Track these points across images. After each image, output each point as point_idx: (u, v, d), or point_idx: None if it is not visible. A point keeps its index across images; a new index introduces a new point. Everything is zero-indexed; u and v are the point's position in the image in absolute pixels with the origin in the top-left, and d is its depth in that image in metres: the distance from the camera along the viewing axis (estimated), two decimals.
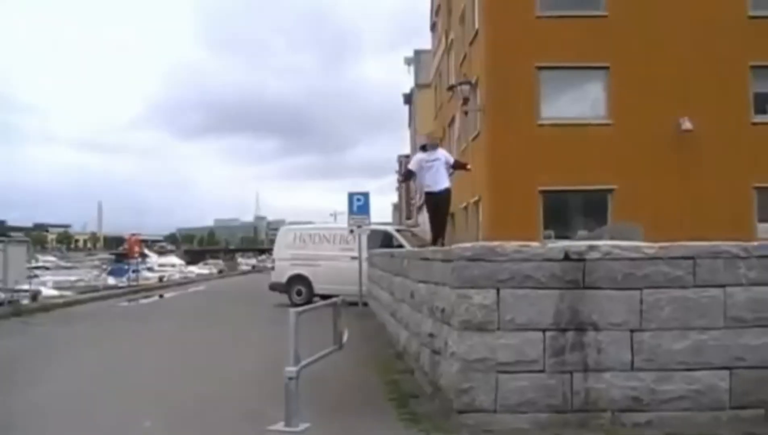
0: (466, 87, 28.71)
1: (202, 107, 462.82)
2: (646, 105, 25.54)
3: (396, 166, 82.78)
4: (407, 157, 72.72)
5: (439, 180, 15.87)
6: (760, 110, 26.69)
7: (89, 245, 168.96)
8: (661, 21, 25.98)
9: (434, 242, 15.95)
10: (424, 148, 16.32)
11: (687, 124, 25.60)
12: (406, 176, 17.20)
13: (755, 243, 8.43)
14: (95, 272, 55.89)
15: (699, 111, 25.50)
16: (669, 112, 25.60)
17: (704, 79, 25.67)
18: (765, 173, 25.12)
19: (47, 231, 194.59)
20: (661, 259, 7.86)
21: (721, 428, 7.62)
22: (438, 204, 16.07)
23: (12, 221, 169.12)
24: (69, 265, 77.15)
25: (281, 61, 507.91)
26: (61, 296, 31.18)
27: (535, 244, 8.13)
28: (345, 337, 10.50)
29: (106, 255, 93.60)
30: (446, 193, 16.00)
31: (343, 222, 27.63)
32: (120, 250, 79.57)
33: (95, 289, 38.61)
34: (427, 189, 16.07)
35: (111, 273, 51.90)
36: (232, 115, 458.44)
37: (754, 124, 26.21)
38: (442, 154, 16.25)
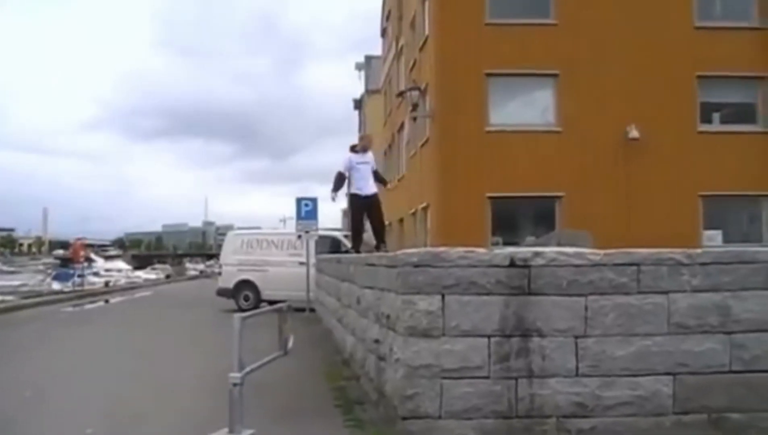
0: (415, 93, 28.80)
1: (153, 112, 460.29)
2: (595, 113, 25.76)
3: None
4: None
5: (369, 184, 15.87)
6: (706, 119, 27.07)
7: (34, 250, 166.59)
8: (610, 30, 26.21)
9: (356, 250, 15.86)
10: (354, 149, 16.22)
11: (634, 133, 25.87)
12: (338, 182, 16.39)
13: (699, 250, 8.50)
14: (39, 277, 55.01)
15: (646, 119, 25.77)
16: (617, 120, 25.86)
17: (652, 88, 25.96)
18: (711, 182, 25.48)
19: None
20: (605, 265, 7.88)
21: (664, 433, 7.66)
22: (369, 208, 16.03)
23: None
24: (12, 269, 75.89)
25: (233, 67, 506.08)
26: (2, 301, 30.64)
27: (480, 250, 8.11)
28: (291, 343, 10.39)
29: (50, 259, 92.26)
30: (375, 197, 15.98)
31: (292, 227, 27.54)
32: (65, 255, 78.55)
33: (39, 294, 37.95)
34: (356, 190, 16.00)
35: (56, 278, 51.03)
36: (182, 119, 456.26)
37: (700, 132, 26.57)
38: (371, 159, 16.22)
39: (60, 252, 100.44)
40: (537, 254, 7.95)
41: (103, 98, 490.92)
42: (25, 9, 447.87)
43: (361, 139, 16.42)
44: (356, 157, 15.94)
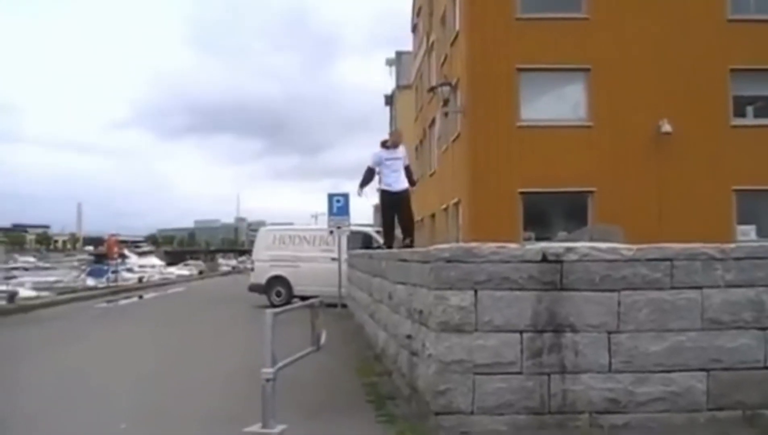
0: (446, 88, 28.70)
1: (185, 109, 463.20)
2: (626, 107, 25.61)
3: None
4: None
5: (399, 179, 15.78)
6: (739, 113, 26.81)
7: (68, 246, 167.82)
8: (641, 24, 26.04)
9: (388, 246, 15.83)
10: (385, 145, 16.13)
11: (666, 127, 25.68)
12: (367, 177, 16.36)
13: (733, 245, 8.44)
14: (74, 273, 55.38)
15: (679, 114, 25.58)
16: (649, 115, 25.68)
17: (684, 82, 25.76)
18: (744, 176, 25.24)
19: (26, 232, 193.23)
20: (638, 260, 7.85)
21: (698, 430, 7.61)
22: (398, 205, 15.95)
23: None
24: (48, 265, 76.48)
25: (263, 63, 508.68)
26: (39, 297, 30.93)
27: (512, 245, 8.10)
28: (323, 339, 10.45)
29: (85, 256, 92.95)
30: (405, 193, 15.88)
31: (323, 223, 27.60)
32: (99, 251, 79.05)
33: (74, 290, 38.26)
34: (385, 187, 15.93)
35: (90, 274, 51.41)
36: (214, 116, 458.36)
37: (734, 127, 26.32)
38: (403, 154, 16.10)
39: (90, 248, 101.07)
40: (569, 249, 7.93)
41: (134, 97, 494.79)
42: (60, 10, 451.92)
43: (391, 134, 16.28)
44: (386, 153, 15.88)
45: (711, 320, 7.84)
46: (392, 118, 68.63)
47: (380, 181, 16.44)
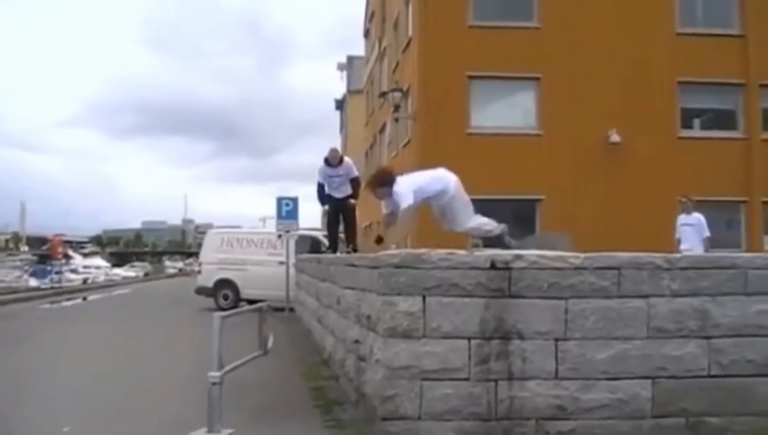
0: (397, 94, 28.77)
1: (136, 109, 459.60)
2: (576, 117, 25.89)
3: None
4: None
5: (343, 191, 15.92)
6: (686, 125, 27.31)
7: (11, 245, 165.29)
8: (592, 34, 26.35)
9: (333, 250, 15.91)
10: (327, 163, 16.12)
11: (615, 137, 26.02)
12: (321, 193, 16.45)
13: (678, 255, 8.55)
14: (16, 273, 54.70)
15: (627, 124, 25.93)
16: (598, 125, 26.00)
17: (633, 93, 26.12)
18: (690, 186, 25.50)
19: None
20: (586, 269, 7.90)
21: None
22: (340, 211, 16.07)
23: None
24: None
25: (215, 65, 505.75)
26: None
27: (461, 252, 8.12)
28: (270, 343, 10.40)
29: (28, 256, 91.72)
30: (346, 199, 15.97)
31: (272, 227, 27.48)
32: (43, 251, 78.10)
33: (16, 291, 37.76)
34: (330, 192, 16.08)
35: (33, 274, 50.80)
36: (165, 117, 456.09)
37: (681, 138, 26.77)
38: (346, 171, 16.12)
39: (25, 248, 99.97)
40: (518, 257, 7.96)
41: (84, 95, 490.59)
42: (9, 6, 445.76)
43: (330, 152, 16.20)
44: (329, 170, 15.99)
45: (657, 329, 7.91)
46: (343, 123, 68.76)
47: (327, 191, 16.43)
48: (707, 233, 17.67)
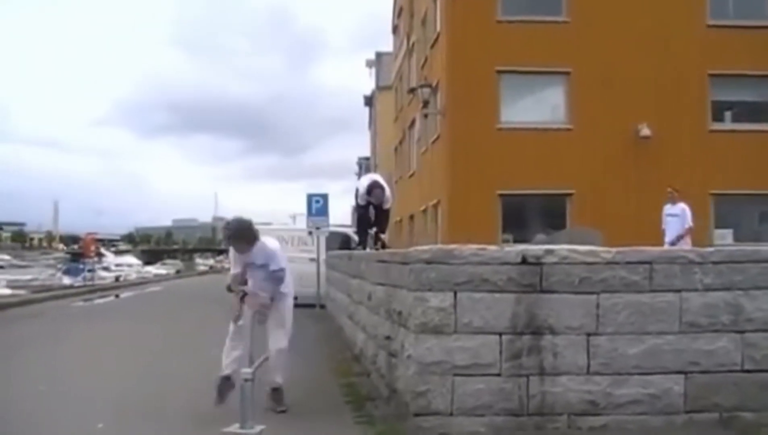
0: (426, 90, 28.75)
1: (166, 108, 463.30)
2: (606, 111, 25.75)
3: (356, 169, 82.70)
4: (367, 159, 72.65)
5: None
6: (717, 118, 27.05)
7: (45, 244, 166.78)
8: (622, 28, 26.20)
9: (363, 246, 15.89)
10: (368, 193, 15.91)
11: (645, 131, 25.85)
12: (364, 217, 16.48)
13: (711, 249, 8.49)
14: (50, 271, 55.19)
15: (658, 118, 25.76)
16: (628, 119, 25.84)
17: (664, 87, 25.94)
18: (721, 180, 25.42)
19: (1, 229, 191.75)
20: (617, 263, 7.87)
21: (675, 432, 7.65)
22: (376, 208, 15.99)
23: None
24: (23, 263, 76.17)
25: (245, 63, 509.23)
26: (14, 295, 30.75)
27: (492, 247, 8.11)
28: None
29: (61, 254, 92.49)
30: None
31: (302, 224, 27.52)
32: (75, 249, 78.65)
33: (50, 289, 38.09)
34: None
35: (66, 272, 51.24)
36: (195, 116, 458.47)
37: (712, 131, 26.54)
38: (378, 201, 15.94)
39: (61, 246, 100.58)
40: (549, 252, 7.94)
41: (116, 95, 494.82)
42: (44, 8, 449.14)
43: (376, 191, 15.95)
44: (369, 198, 15.89)
45: (689, 323, 7.87)
46: (372, 119, 68.73)
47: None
48: (689, 223, 17.56)
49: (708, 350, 7.87)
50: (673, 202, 17.98)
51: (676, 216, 17.70)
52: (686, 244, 16.13)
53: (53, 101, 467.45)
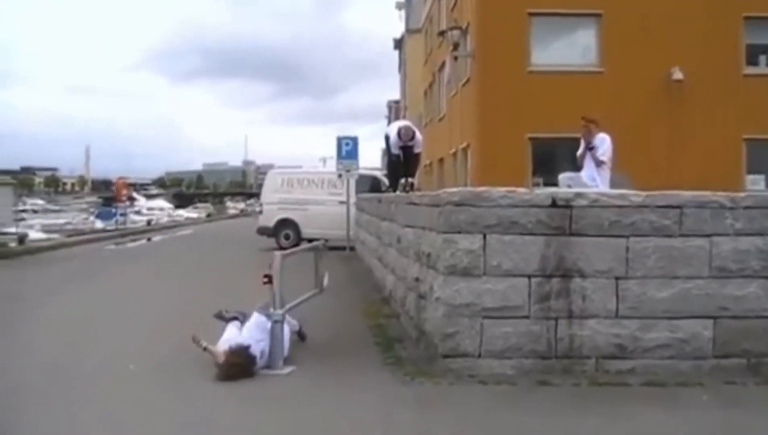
0: (456, 32, 28.47)
1: (196, 52, 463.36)
2: (638, 54, 25.39)
3: (386, 112, 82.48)
4: (396, 103, 72.42)
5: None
6: (752, 62, 26.62)
7: (77, 188, 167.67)
8: None
9: (394, 189, 16.04)
10: (399, 136, 16.21)
11: (678, 74, 25.51)
12: (395, 163, 16.80)
13: (742, 194, 8.43)
14: (83, 216, 55.54)
15: (691, 61, 25.37)
16: (660, 62, 25.48)
17: (697, 29, 25.50)
18: (755, 125, 25.08)
19: (35, 174, 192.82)
20: (647, 207, 7.84)
21: (703, 377, 7.66)
22: (407, 152, 16.17)
23: None
24: (57, 208, 76.66)
25: (274, 6, 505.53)
26: (48, 239, 31.02)
27: (522, 190, 8.10)
28: (326, 281, 10.53)
29: (93, 198, 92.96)
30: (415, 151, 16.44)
31: (332, 167, 27.55)
32: (107, 194, 79.11)
33: (83, 233, 38.36)
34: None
35: (98, 216, 51.48)
36: (224, 60, 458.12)
37: (746, 75, 26.13)
38: (415, 143, 16.42)
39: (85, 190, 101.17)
40: (579, 195, 7.93)
41: (146, 40, 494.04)
42: None
43: (405, 129, 16.25)
44: (401, 143, 16.05)
45: (719, 268, 7.85)
46: (401, 62, 68.37)
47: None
48: (601, 156, 14.46)
49: (738, 296, 7.86)
50: (589, 134, 14.76)
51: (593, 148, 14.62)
52: (601, 181, 14.05)
53: (86, 48, 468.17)
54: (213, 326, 9.19)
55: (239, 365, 7.84)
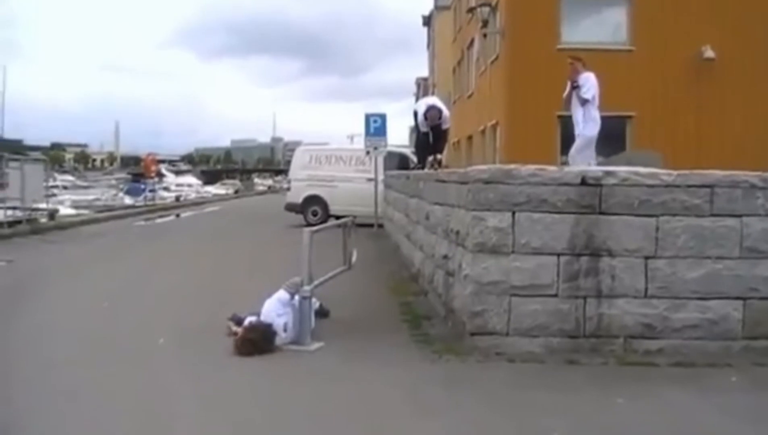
0: (486, 9, 28.32)
1: (225, 29, 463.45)
2: (669, 32, 25.16)
3: (414, 90, 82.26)
4: (425, 80, 72.20)
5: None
6: None
7: (106, 165, 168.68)
8: None
9: (422, 166, 16.16)
10: (425, 117, 16.47)
11: (709, 53, 25.26)
12: (424, 142, 17.14)
13: None
14: (112, 192, 55.95)
15: (722, 40, 25.10)
16: (691, 40, 25.23)
17: (728, 8, 25.22)
18: None
19: (65, 150, 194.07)
20: (678, 186, 7.80)
21: (732, 358, 7.64)
22: (435, 129, 16.46)
23: (29, 140, 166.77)
24: (86, 184, 77.19)
25: None
26: (78, 215, 31.24)
27: (551, 168, 8.08)
28: (354, 258, 10.54)
29: (123, 174, 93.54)
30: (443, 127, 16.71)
31: (360, 144, 27.53)
32: (137, 170, 79.58)
33: (112, 209, 38.66)
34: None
35: (128, 192, 51.88)
36: (252, 37, 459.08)
37: None
38: (444, 121, 16.74)
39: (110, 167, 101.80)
40: (609, 173, 7.89)
41: (178, 18, 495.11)
42: None
43: (431, 109, 16.45)
44: (427, 122, 16.42)
45: (749, 249, 7.80)
46: (430, 39, 68.11)
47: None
48: (584, 94, 14.22)
49: None
50: (576, 73, 14.39)
51: (578, 87, 14.37)
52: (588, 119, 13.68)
53: (117, 25, 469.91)
54: (240, 302, 9.25)
55: (251, 341, 7.90)
